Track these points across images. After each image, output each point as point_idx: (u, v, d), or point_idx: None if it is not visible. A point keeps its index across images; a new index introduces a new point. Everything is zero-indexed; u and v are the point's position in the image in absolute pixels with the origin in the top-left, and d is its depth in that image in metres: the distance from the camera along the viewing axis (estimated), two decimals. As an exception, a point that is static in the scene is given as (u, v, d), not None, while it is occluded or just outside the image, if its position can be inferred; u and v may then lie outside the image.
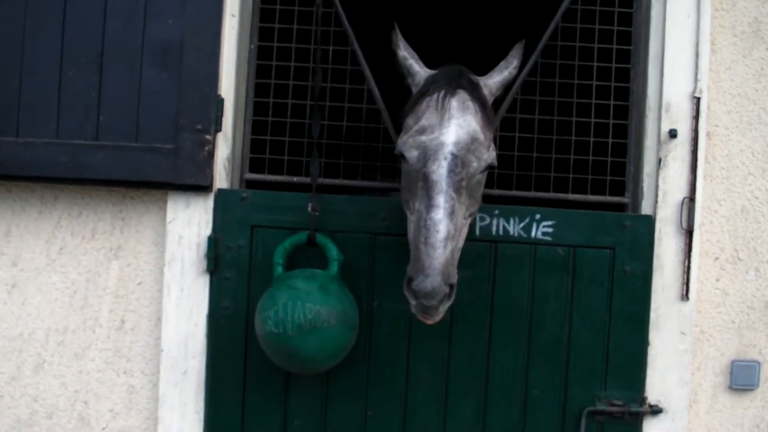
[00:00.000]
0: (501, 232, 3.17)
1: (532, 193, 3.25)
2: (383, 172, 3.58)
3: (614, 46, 3.28)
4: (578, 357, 3.19)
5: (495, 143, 3.07)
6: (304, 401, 3.22)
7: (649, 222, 3.18)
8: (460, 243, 2.77)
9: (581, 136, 3.32)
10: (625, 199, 3.25)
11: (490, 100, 2.98)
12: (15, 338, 3.30)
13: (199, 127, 3.11)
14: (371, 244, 3.19)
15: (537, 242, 3.18)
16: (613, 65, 3.30)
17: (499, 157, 3.22)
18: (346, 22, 3.23)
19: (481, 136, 2.78)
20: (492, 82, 3.01)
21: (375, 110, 3.23)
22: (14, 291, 3.30)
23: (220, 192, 3.21)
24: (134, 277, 3.29)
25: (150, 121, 3.11)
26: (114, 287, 3.29)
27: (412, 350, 3.20)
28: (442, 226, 2.62)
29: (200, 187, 3.15)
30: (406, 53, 3.05)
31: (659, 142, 3.20)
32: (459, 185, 2.70)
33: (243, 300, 3.21)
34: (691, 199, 3.15)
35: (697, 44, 3.17)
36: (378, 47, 3.34)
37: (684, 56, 3.18)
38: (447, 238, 2.62)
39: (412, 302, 2.65)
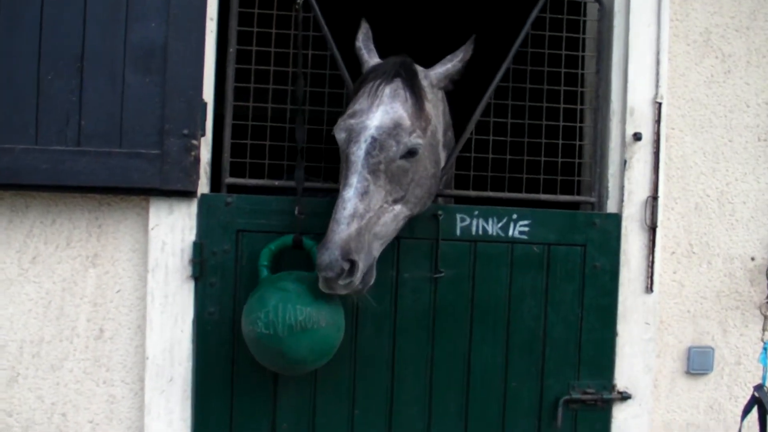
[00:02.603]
0: (480, 232, 3.55)
1: (507, 194, 3.65)
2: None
3: (581, 53, 3.75)
4: (553, 349, 3.62)
5: (458, 140, 3.54)
6: (292, 404, 3.50)
7: (617, 220, 3.64)
8: (379, 228, 3.11)
9: (540, 138, 3.76)
10: (591, 199, 3.70)
11: (429, 90, 3.36)
12: (-14, 352, 3.44)
13: (185, 131, 3.33)
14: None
15: (514, 241, 3.58)
16: (580, 71, 3.76)
17: (474, 159, 3.63)
18: (325, 27, 3.52)
19: (407, 123, 3.15)
20: (433, 73, 3.43)
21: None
22: (-16, 303, 3.44)
23: (204, 197, 3.44)
24: (113, 285, 3.47)
25: (134, 127, 3.30)
26: (91, 296, 3.46)
27: (397, 348, 3.53)
28: (350, 204, 3.01)
29: (185, 192, 3.36)
30: (360, 44, 3.51)
31: (623, 145, 3.66)
32: (376, 168, 3.07)
33: (229, 305, 3.45)
34: (654, 197, 3.64)
35: (657, 52, 3.65)
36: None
37: (645, 63, 3.65)
38: (353, 216, 2.99)
39: (319, 275, 2.99)
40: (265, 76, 3.56)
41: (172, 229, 3.42)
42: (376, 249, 3.15)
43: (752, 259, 3.81)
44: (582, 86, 3.82)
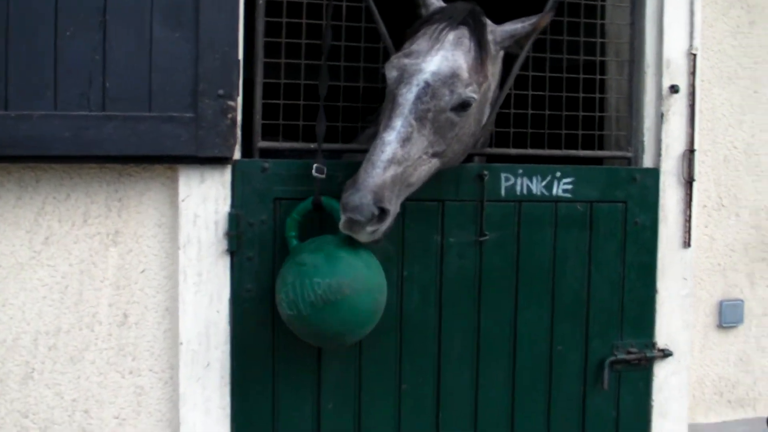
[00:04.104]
0: (525, 192, 3.56)
1: (547, 151, 3.66)
2: None
3: (608, 2, 3.80)
4: (597, 309, 3.70)
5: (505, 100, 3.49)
6: (336, 382, 3.44)
7: (656, 175, 3.73)
8: (413, 179, 3.04)
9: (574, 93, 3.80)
10: (629, 153, 3.78)
11: (493, 47, 3.28)
12: (-4, 346, 3.19)
13: (221, 92, 3.16)
14: (400, 210, 3.43)
15: (558, 200, 3.61)
16: (615, 22, 3.81)
17: (514, 116, 3.62)
18: (358, -24, 3.42)
19: (465, 74, 3.08)
20: (500, 29, 3.32)
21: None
22: (-8, 291, 3.18)
23: (239, 164, 3.28)
24: (137, 265, 3.28)
25: (164, 88, 3.10)
26: (113, 278, 3.26)
27: (444, 318, 3.52)
28: (389, 148, 2.93)
29: (219, 159, 3.20)
30: None
31: (659, 98, 3.75)
32: (423, 115, 3.00)
33: (268, 280, 3.32)
34: (691, 151, 3.75)
35: (691, 2, 3.75)
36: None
37: (680, 14, 3.73)
38: (391, 161, 2.92)
39: (342, 216, 2.91)
40: (296, 31, 3.43)
41: (205, 199, 3.25)
42: (400, 202, 3.05)
43: (776, 209, 4.01)
44: (605, 38, 3.88)
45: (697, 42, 3.75)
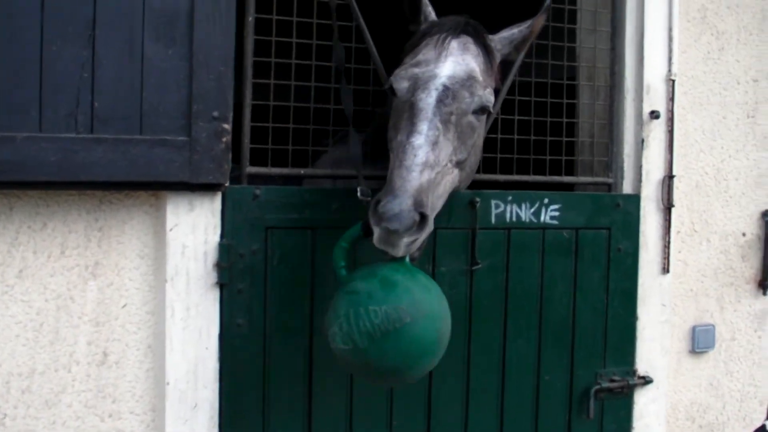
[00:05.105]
0: (514, 219, 3.63)
1: (532, 177, 3.74)
2: None
3: (596, 28, 3.92)
4: (582, 337, 3.80)
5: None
6: (327, 421, 3.40)
7: (637, 201, 3.86)
8: (441, 189, 2.96)
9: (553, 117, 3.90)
10: (609, 180, 3.91)
11: (495, 53, 3.32)
12: (-35, 392, 3.00)
13: (215, 114, 3.08)
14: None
15: (545, 226, 3.69)
16: (596, 47, 3.93)
17: (501, 141, 3.69)
18: (351, -4, 3.42)
19: (479, 76, 3.11)
20: (498, 37, 3.38)
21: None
22: (-40, 331, 3.00)
23: (229, 190, 3.21)
24: (117, 299, 3.14)
25: (157, 108, 3.00)
26: (92, 313, 3.12)
27: (436, 349, 3.54)
28: (422, 152, 2.84)
29: (210, 185, 3.12)
30: None
31: (639, 123, 3.89)
32: (447, 118, 2.97)
33: (259, 314, 3.27)
34: (671, 177, 3.91)
35: (670, 28, 3.91)
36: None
37: (659, 39, 3.90)
38: (425, 164, 2.82)
39: (376, 230, 2.77)
40: (286, 51, 3.39)
41: (194, 229, 3.16)
42: (435, 200, 2.93)
43: (743, 234, 4.21)
44: (577, 62, 4.00)
45: (675, 67, 3.92)
